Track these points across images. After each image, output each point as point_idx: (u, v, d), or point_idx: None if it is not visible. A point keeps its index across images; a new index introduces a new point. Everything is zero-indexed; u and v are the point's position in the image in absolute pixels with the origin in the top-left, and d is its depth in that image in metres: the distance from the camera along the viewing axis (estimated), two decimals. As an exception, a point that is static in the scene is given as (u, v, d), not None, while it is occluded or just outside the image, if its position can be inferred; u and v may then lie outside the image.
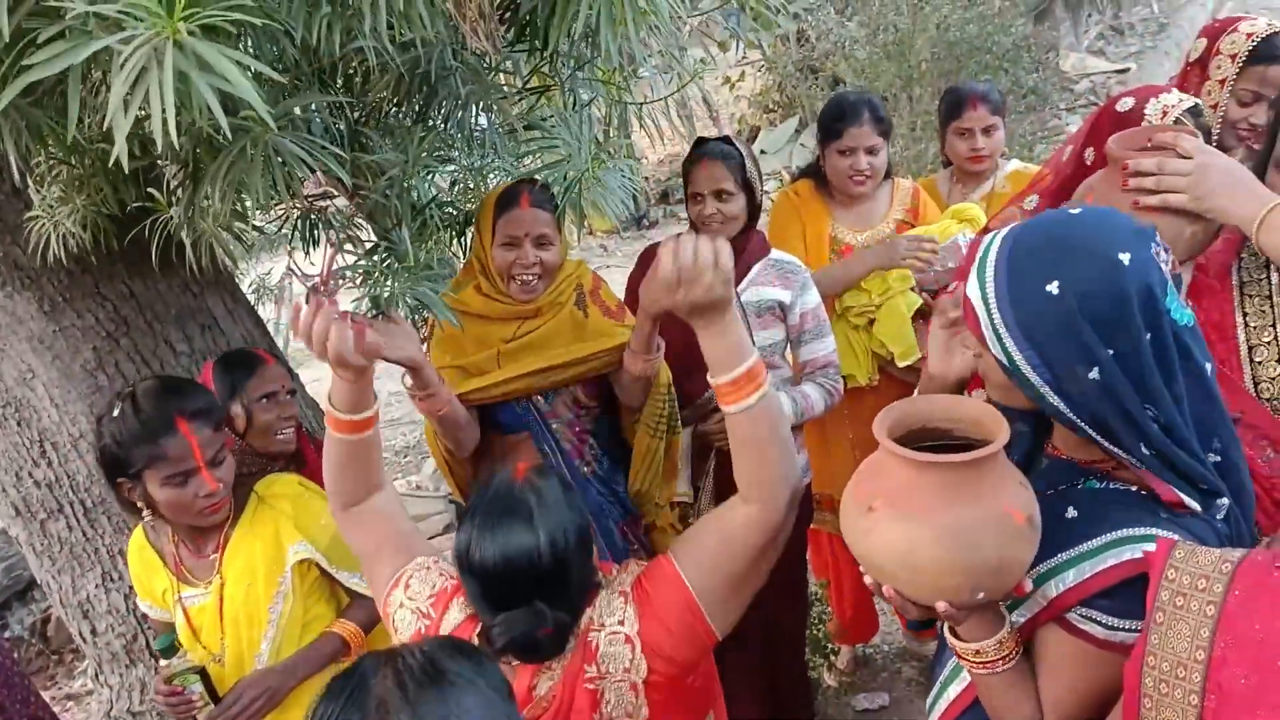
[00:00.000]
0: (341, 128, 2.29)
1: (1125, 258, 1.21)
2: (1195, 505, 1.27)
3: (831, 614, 3.37)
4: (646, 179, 11.20)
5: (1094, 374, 1.22)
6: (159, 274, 2.80)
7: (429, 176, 2.61)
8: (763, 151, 9.67)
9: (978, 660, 1.32)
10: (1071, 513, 1.31)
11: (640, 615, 1.54)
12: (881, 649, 3.49)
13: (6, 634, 4.82)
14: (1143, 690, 1.14)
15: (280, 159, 1.57)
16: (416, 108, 2.23)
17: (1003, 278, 1.26)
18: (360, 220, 2.61)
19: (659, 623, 1.53)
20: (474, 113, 2.16)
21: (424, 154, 2.22)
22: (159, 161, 2.04)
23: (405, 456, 6.21)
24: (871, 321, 3.00)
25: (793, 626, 2.92)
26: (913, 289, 2.98)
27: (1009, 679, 1.32)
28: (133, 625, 2.97)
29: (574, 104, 2.27)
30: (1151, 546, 1.20)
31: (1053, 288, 1.22)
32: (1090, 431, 1.27)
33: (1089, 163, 2.05)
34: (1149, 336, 1.22)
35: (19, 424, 2.76)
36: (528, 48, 2.22)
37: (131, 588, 2.92)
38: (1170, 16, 11.84)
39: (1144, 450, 1.26)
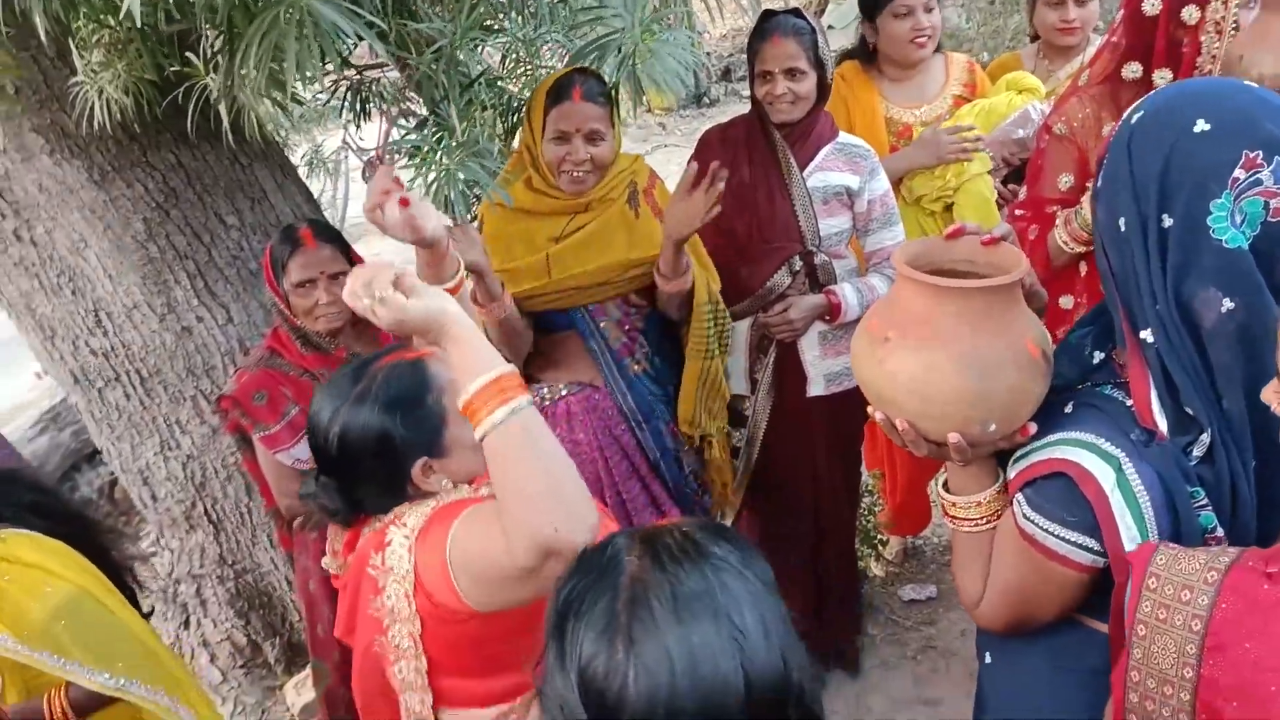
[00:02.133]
0: (389, -8, 2.19)
1: (1201, 126, 1.10)
2: (1161, 426, 1.17)
3: (882, 504, 3.34)
4: (708, 54, 10.84)
5: (1121, 224, 1.17)
6: (207, 145, 2.76)
7: (478, 49, 2.51)
8: (830, 27, 9.27)
9: (963, 516, 1.34)
10: (1069, 409, 1.27)
11: (420, 537, 1.40)
12: (931, 540, 3.46)
13: (76, 496, 5.01)
14: (1127, 705, 1.08)
15: (317, 26, 1.49)
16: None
17: (1131, 109, 1.22)
18: (412, 94, 2.53)
19: (426, 556, 1.39)
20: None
21: (473, 24, 2.12)
22: (197, 26, 1.96)
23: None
24: (949, 207, 2.86)
25: (844, 521, 2.90)
26: (991, 171, 2.83)
27: (980, 546, 1.34)
28: (191, 492, 3.03)
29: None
30: (1084, 457, 1.17)
31: (1134, 118, 1.18)
32: (1111, 287, 1.22)
33: (1152, 14, 1.95)
34: (1162, 217, 1.12)
35: (73, 293, 2.77)
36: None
37: (190, 455, 2.99)
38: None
39: (1145, 337, 1.17)
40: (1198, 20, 1.94)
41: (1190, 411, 1.15)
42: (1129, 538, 1.14)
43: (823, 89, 2.51)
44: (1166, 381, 1.16)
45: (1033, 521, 1.21)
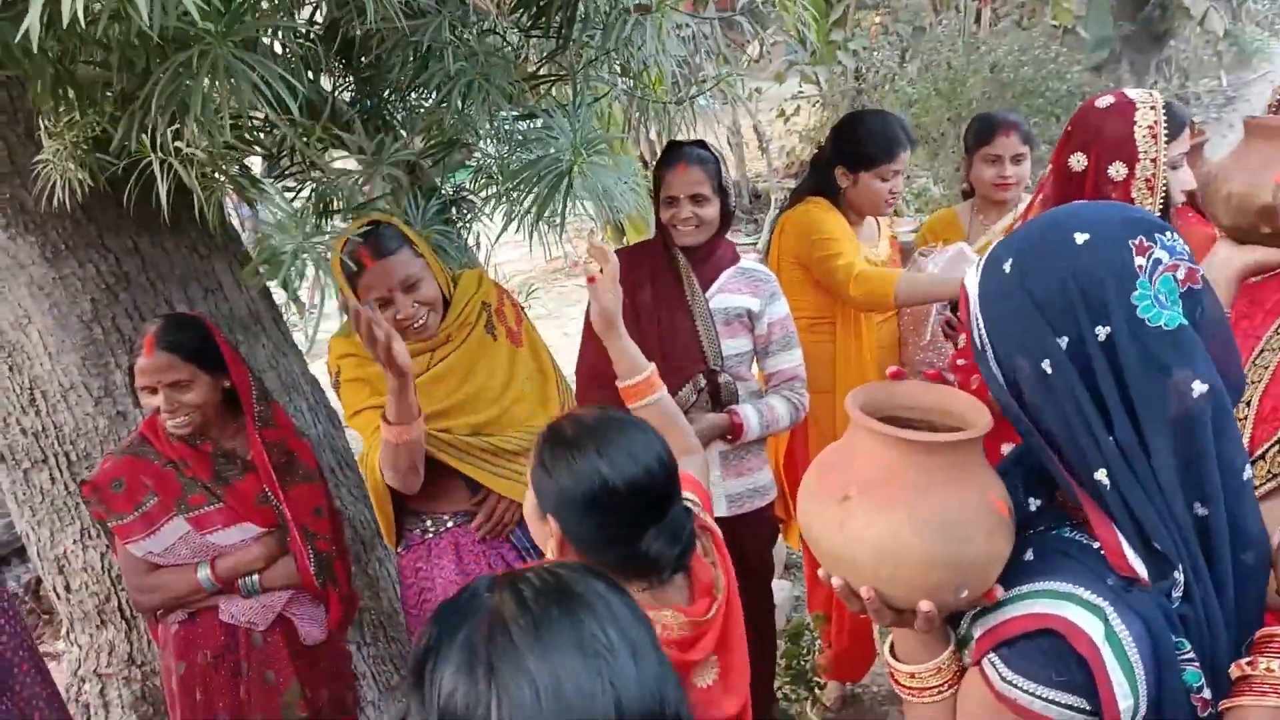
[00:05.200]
0: (368, 103, 2.25)
1: (1081, 238, 1.12)
2: (1140, 571, 1.10)
3: (821, 647, 3.25)
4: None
5: (1047, 365, 1.12)
6: (167, 232, 2.77)
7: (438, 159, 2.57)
8: (809, 184, 9.58)
9: (913, 686, 1.24)
10: (1030, 556, 1.20)
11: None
12: (870, 689, 3.36)
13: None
14: None
15: (231, 80, 1.47)
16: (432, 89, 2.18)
17: (985, 261, 1.20)
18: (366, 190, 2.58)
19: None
20: (487, 98, 2.09)
21: (436, 144, 2.17)
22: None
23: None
24: None
25: (759, 675, 2.82)
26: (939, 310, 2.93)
27: (943, 715, 1.23)
28: (107, 585, 2.92)
29: (579, 98, 2.21)
30: (1069, 610, 1.09)
31: (1007, 265, 1.16)
32: (1039, 442, 1.16)
33: (1079, 169, 2.04)
34: (1096, 331, 1.10)
35: (10, 369, 2.74)
36: (543, 33, 2.18)
37: (109, 547, 2.90)
38: (1238, 91, 11.68)
39: (1099, 479, 1.11)
40: (1125, 176, 2.02)
41: (1160, 548, 1.11)
42: (1121, 695, 1.07)
43: (725, 215, 2.62)
44: (1133, 523, 1.11)
45: (1014, 685, 1.12)
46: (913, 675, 1.23)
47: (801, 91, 9.54)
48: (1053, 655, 1.10)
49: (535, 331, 2.56)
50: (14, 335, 2.70)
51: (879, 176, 2.90)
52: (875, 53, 7.85)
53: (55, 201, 2.20)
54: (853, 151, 2.93)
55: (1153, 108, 1.99)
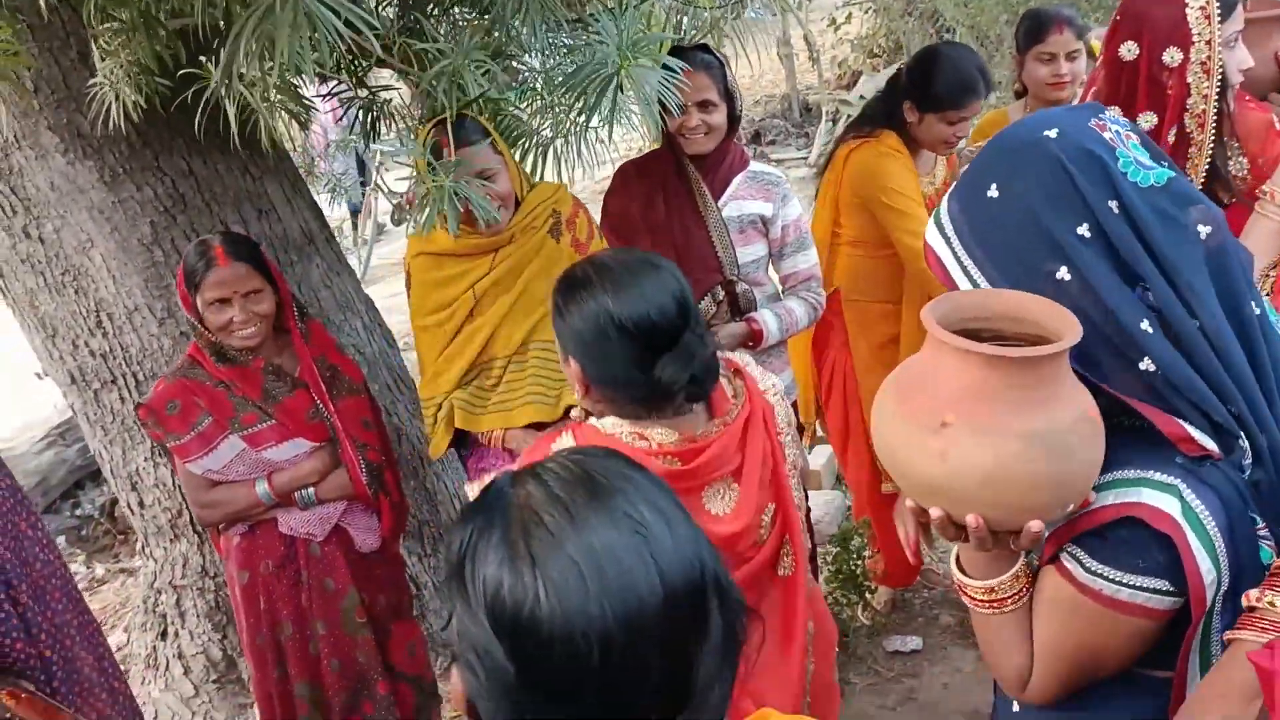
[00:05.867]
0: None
1: (1051, 133, 1.13)
2: (1210, 445, 1.09)
3: (873, 552, 3.29)
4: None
5: (1063, 272, 1.11)
6: (219, 154, 2.82)
7: (486, 73, 2.56)
8: (861, 97, 9.38)
9: (990, 599, 1.21)
10: None
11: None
12: (921, 593, 3.40)
13: (78, 512, 5.03)
14: None
15: (311, 19, 1.53)
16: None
17: (954, 206, 1.20)
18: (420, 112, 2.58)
19: None
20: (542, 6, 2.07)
21: (479, 47, 2.16)
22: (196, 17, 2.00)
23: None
24: None
25: None
26: None
27: (1013, 620, 1.22)
28: (178, 500, 3.04)
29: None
30: (1144, 494, 1.09)
31: (992, 190, 1.15)
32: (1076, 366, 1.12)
33: (1130, 59, 1.98)
34: (1113, 203, 1.10)
35: (76, 292, 2.82)
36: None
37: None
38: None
39: (1145, 368, 1.09)
40: (1180, 62, 1.96)
41: (1220, 421, 1.10)
42: (1205, 569, 1.07)
43: (732, 120, 2.59)
44: (1190, 404, 1.10)
45: (1101, 575, 1.12)
46: (991, 590, 1.21)
47: (853, -2, 9.28)
48: (1134, 543, 1.10)
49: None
50: (78, 259, 2.78)
51: (945, 120, 2.81)
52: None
53: (110, 125, 2.24)
54: (923, 90, 2.83)
55: None
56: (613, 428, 1.54)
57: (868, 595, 3.29)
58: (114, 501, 4.96)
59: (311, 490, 2.45)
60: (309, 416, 2.45)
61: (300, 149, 3.09)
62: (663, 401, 1.53)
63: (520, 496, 0.86)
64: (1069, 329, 1.07)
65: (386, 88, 2.88)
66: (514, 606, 0.80)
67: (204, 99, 2.18)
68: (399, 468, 2.74)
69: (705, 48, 2.60)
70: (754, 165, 2.69)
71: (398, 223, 8.33)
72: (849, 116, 7.70)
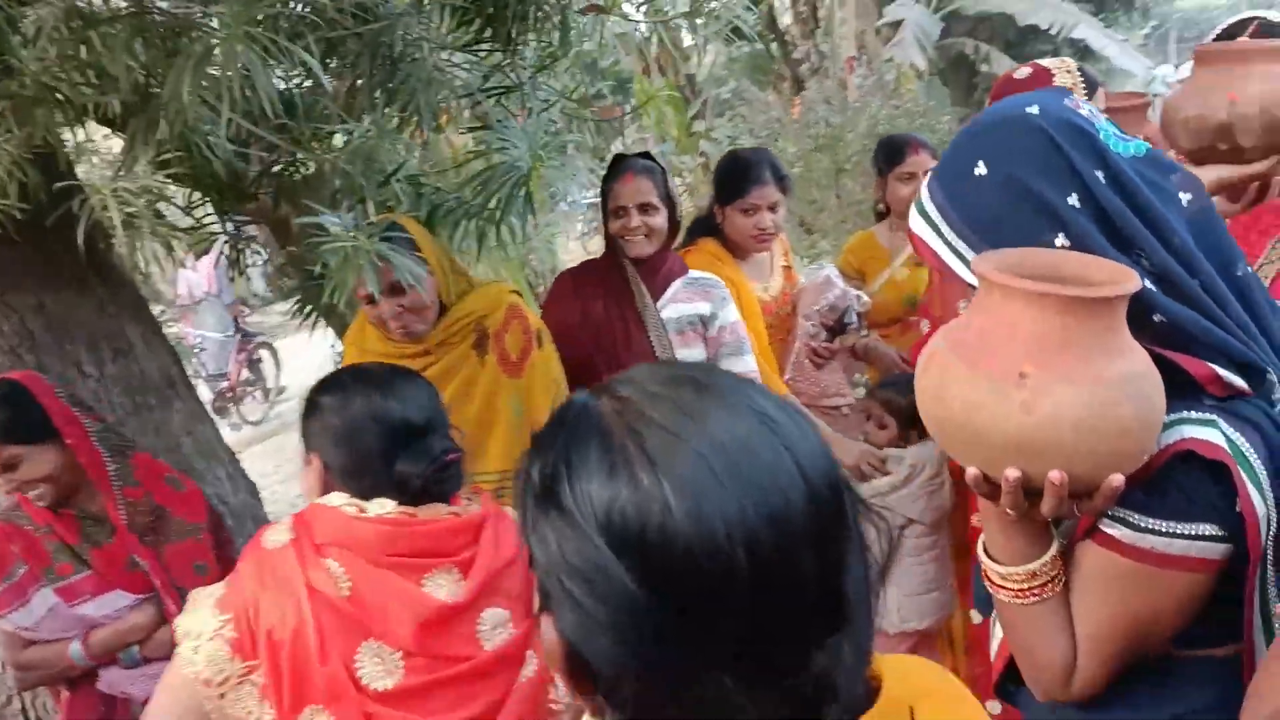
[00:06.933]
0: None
1: (1033, 109, 1.16)
2: (1238, 381, 1.08)
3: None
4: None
5: (1061, 240, 1.12)
6: (74, 289, 2.62)
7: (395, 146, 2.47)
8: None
9: (1031, 585, 1.14)
10: None
11: None
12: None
13: None
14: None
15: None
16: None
17: (937, 191, 1.21)
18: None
19: None
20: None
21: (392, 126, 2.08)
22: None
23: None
24: None
25: None
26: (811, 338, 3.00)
27: (1051, 607, 1.15)
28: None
29: (529, 107, 2.20)
30: (1185, 430, 1.07)
31: (979, 168, 1.17)
32: None
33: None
34: (1100, 173, 1.13)
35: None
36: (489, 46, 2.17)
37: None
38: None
39: (1156, 320, 1.10)
40: None
41: (1243, 360, 1.10)
42: (1257, 501, 1.04)
43: (672, 225, 2.66)
44: (1208, 348, 1.09)
45: (1151, 530, 1.08)
46: (1034, 575, 1.14)
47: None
48: (1185, 484, 1.07)
49: (557, 371, 2.45)
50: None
51: (741, 211, 2.86)
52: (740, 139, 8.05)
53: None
54: (719, 188, 2.95)
55: (1069, 71, 2.08)
56: (334, 500, 1.52)
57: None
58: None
59: (136, 648, 2.18)
60: (128, 565, 2.19)
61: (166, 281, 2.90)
62: (398, 494, 1.52)
63: (609, 405, 0.72)
64: (1127, 277, 1.04)
65: (250, 220, 2.80)
66: (638, 518, 0.66)
67: (55, 217, 2.02)
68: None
69: (646, 154, 2.69)
70: (693, 273, 2.70)
71: (219, 411, 7.80)
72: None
